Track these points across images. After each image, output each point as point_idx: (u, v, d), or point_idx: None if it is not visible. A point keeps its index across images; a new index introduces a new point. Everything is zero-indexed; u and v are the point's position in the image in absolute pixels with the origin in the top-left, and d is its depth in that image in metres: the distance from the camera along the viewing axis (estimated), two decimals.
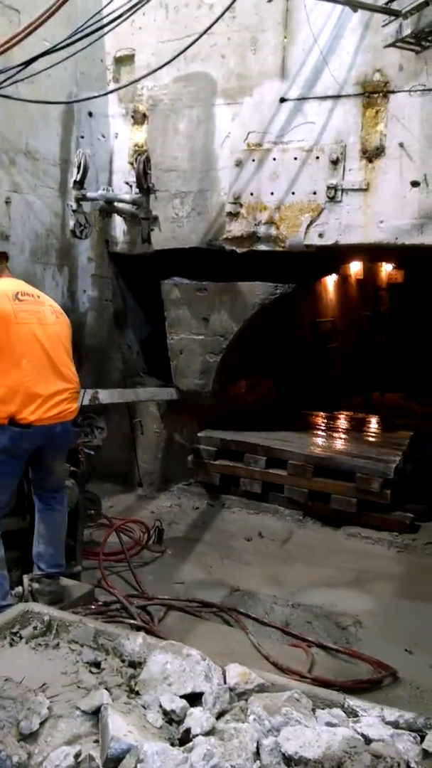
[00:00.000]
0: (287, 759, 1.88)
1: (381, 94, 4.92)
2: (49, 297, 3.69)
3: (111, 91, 5.66)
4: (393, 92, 4.89)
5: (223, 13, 4.57)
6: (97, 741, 1.96)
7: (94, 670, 2.33)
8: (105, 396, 5.18)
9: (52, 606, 3.05)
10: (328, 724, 2.13)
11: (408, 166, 4.87)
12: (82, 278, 6.12)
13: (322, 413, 7.69)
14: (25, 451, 3.35)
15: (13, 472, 3.40)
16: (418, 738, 2.11)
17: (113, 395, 5.45)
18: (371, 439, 6.68)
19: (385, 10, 4.15)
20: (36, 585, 3.48)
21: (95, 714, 2.05)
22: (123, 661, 2.40)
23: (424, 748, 2.01)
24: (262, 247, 5.51)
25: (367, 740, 2.04)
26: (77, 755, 1.84)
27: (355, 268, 11.45)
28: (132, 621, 3.62)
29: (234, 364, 6.33)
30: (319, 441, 6.34)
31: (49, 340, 3.41)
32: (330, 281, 10.15)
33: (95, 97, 5.25)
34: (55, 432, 3.37)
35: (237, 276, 5.91)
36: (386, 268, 12.98)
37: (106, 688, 2.19)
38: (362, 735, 2.06)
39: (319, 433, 6.74)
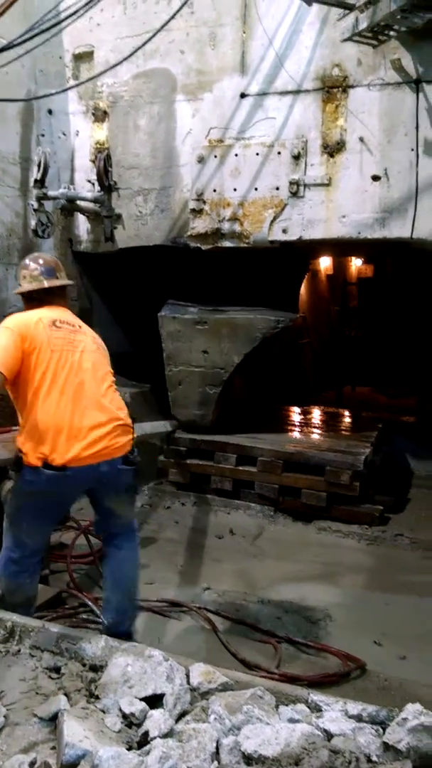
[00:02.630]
0: (247, 758, 1.86)
1: (340, 89, 4.93)
2: (90, 329, 3.34)
3: (69, 88, 5.59)
4: (352, 87, 4.90)
5: (180, 8, 4.57)
6: (54, 748, 1.93)
7: (53, 675, 2.29)
8: None
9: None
10: (291, 720, 2.12)
11: (368, 161, 4.90)
12: None
13: (293, 408, 7.72)
14: (64, 496, 3.03)
15: (50, 518, 3.09)
16: (381, 731, 2.11)
17: None
18: (341, 432, 6.71)
19: (340, 4, 4.17)
20: None
21: (53, 720, 2.02)
22: (84, 665, 2.37)
23: (384, 740, 2.02)
24: (227, 244, 5.49)
25: (329, 735, 2.03)
26: (32, 763, 1.81)
27: (325, 263, 11.51)
28: (96, 624, 3.57)
29: (233, 392, 6.34)
30: (290, 436, 6.35)
31: (88, 370, 3.04)
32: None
33: (54, 94, 5.19)
34: (101, 472, 2.95)
35: (207, 276, 5.92)
36: (356, 263, 13.08)
37: (65, 694, 2.16)
38: (324, 730, 2.06)
39: (290, 428, 6.75)
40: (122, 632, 3.09)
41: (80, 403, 2.93)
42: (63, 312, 3.23)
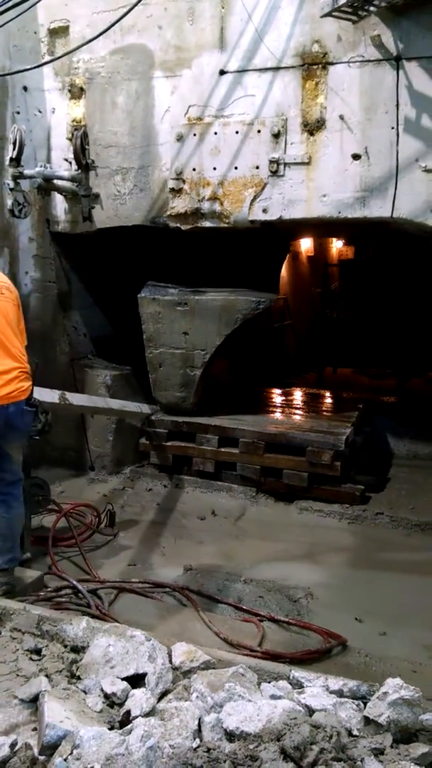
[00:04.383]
0: (229, 734, 1.87)
1: (320, 66, 4.87)
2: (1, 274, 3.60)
3: (44, 64, 5.45)
4: (332, 63, 4.83)
5: None
6: (35, 729, 1.92)
7: (34, 657, 2.29)
8: (74, 399, 5.08)
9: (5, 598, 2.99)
10: (273, 696, 2.13)
11: (349, 139, 4.85)
12: (24, 259, 5.95)
13: (275, 390, 7.72)
14: None
15: None
16: (362, 705, 2.13)
17: (82, 399, 5.35)
18: (323, 413, 6.72)
19: None
20: None
21: (34, 702, 2.02)
22: (65, 646, 2.37)
23: (365, 715, 2.04)
24: (207, 224, 5.43)
25: (310, 711, 2.05)
26: (13, 744, 1.80)
27: (306, 244, 11.47)
28: (78, 606, 3.57)
29: (214, 374, 6.30)
30: (272, 417, 6.35)
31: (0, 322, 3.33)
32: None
33: (28, 69, 5.05)
34: (9, 413, 3.29)
35: (187, 257, 5.85)
36: (336, 245, 13.05)
37: (47, 675, 2.15)
38: (305, 706, 2.07)
39: (272, 409, 6.75)
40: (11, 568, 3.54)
41: None
42: None
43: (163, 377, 5.98)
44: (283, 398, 7.39)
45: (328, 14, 4.48)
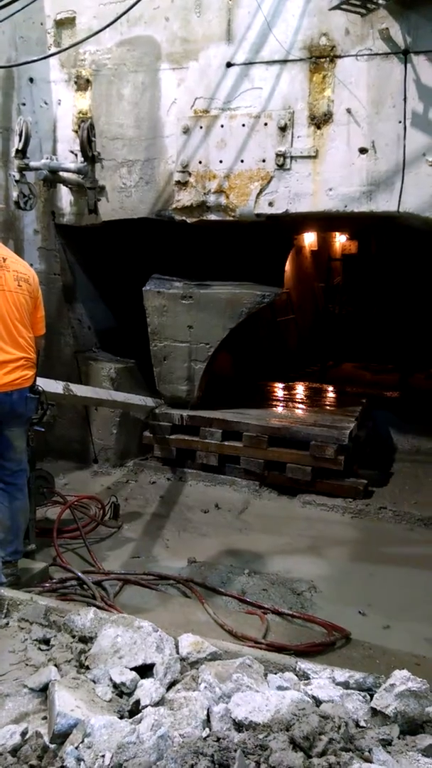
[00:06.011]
0: (237, 724, 1.89)
1: (328, 59, 4.85)
2: (20, 261, 3.66)
3: (50, 55, 5.43)
4: (340, 57, 4.82)
5: None
6: (45, 718, 1.94)
7: (43, 647, 2.30)
8: (78, 390, 5.10)
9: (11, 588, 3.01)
10: (280, 687, 2.15)
11: (356, 133, 4.84)
12: (29, 251, 5.94)
13: (278, 384, 7.72)
14: None
15: None
16: (368, 697, 2.15)
17: (86, 391, 5.37)
18: (326, 408, 6.73)
19: None
20: None
21: (43, 691, 2.03)
22: (74, 636, 2.38)
23: (372, 706, 2.05)
24: (212, 217, 5.43)
25: (317, 702, 2.06)
26: (24, 733, 1.82)
27: (309, 239, 11.44)
28: (83, 597, 3.59)
29: (218, 368, 6.30)
30: (275, 411, 6.36)
31: (7, 308, 3.41)
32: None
33: (34, 60, 5.02)
34: (13, 399, 3.40)
35: (192, 250, 5.83)
36: (340, 239, 13.01)
37: (56, 665, 2.17)
38: (312, 697, 2.09)
39: (275, 403, 6.76)
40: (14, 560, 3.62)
41: (1, 339, 3.37)
42: None
43: (168, 371, 5.99)
44: (286, 392, 7.40)
45: (337, 7, 4.47)
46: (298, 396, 7.30)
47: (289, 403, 6.82)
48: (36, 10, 5.48)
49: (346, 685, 2.23)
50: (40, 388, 3.67)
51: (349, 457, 5.45)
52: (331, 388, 7.87)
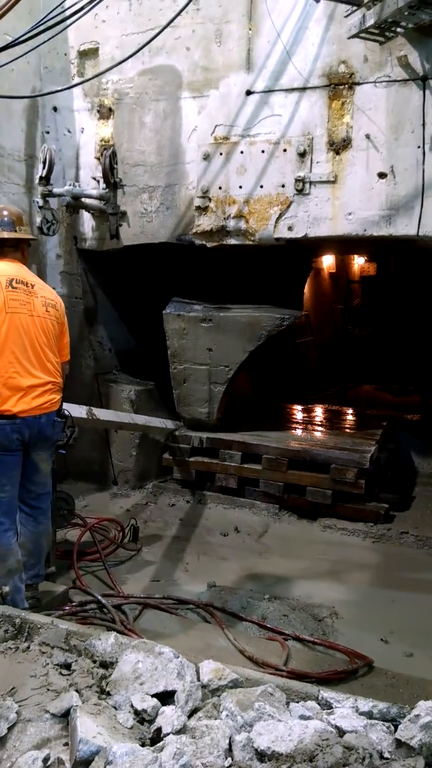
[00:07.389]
0: (260, 754, 1.86)
1: (346, 86, 4.91)
2: (47, 288, 3.70)
3: (74, 85, 5.56)
4: (358, 84, 4.88)
5: (186, 5, 4.54)
6: (66, 744, 1.92)
7: (64, 672, 2.29)
8: (101, 414, 5.16)
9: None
10: (302, 717, 2.12)
11: (374, 158, 4.87)
12: (51, 275, 6.04)
13: (297, 406, 7.71)
14: (16, 443, 3.35)
15: (12, 465, 3.41)
16: (392, 728, 2.11)
17: (109, 414, 5.43)
18: (346, 430, 6.70)
19: (347, 0, 4.14)
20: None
21: (65, 716, 2.02)
22: (94, 661, 2.37)
23: (397, 737, 2.01)
24: (232, 241, 5.48)
25: (341, 732, 2.03)
26: (46, 759, 1.81)
27: (328, 261, 11.49)
28: (103, 621, 3.58)
29: (238, 390, 6.33)
30: (294, 434, 6.34)
31: (36, 333, 3.43)
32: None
33: (59, 90, 5.15)
34: (41, 423, 3.43)
35: (211, 274, 5.86)
36: (358, 261, 13.05)
37: (77, 690, 2.15)
38: (335, 727, 2.05)
39: (295, 426, 6.75)
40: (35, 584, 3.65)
41: (30, 363, 3.39)
42: (19, 268, 3.53)
43: (187, 393, 6.02)
44: (306, 414, 7.38)
45: (356, 35, 4.53)
46: (317, 418, 7.28)
47: (309, 425, 6.79)
48: (60, 41, 5.63)
49: (369, 715, 2.19)
50: (66, 412, 3.69)
51: (370, 480, 5.41)
52: (351, 410, 7.84)
